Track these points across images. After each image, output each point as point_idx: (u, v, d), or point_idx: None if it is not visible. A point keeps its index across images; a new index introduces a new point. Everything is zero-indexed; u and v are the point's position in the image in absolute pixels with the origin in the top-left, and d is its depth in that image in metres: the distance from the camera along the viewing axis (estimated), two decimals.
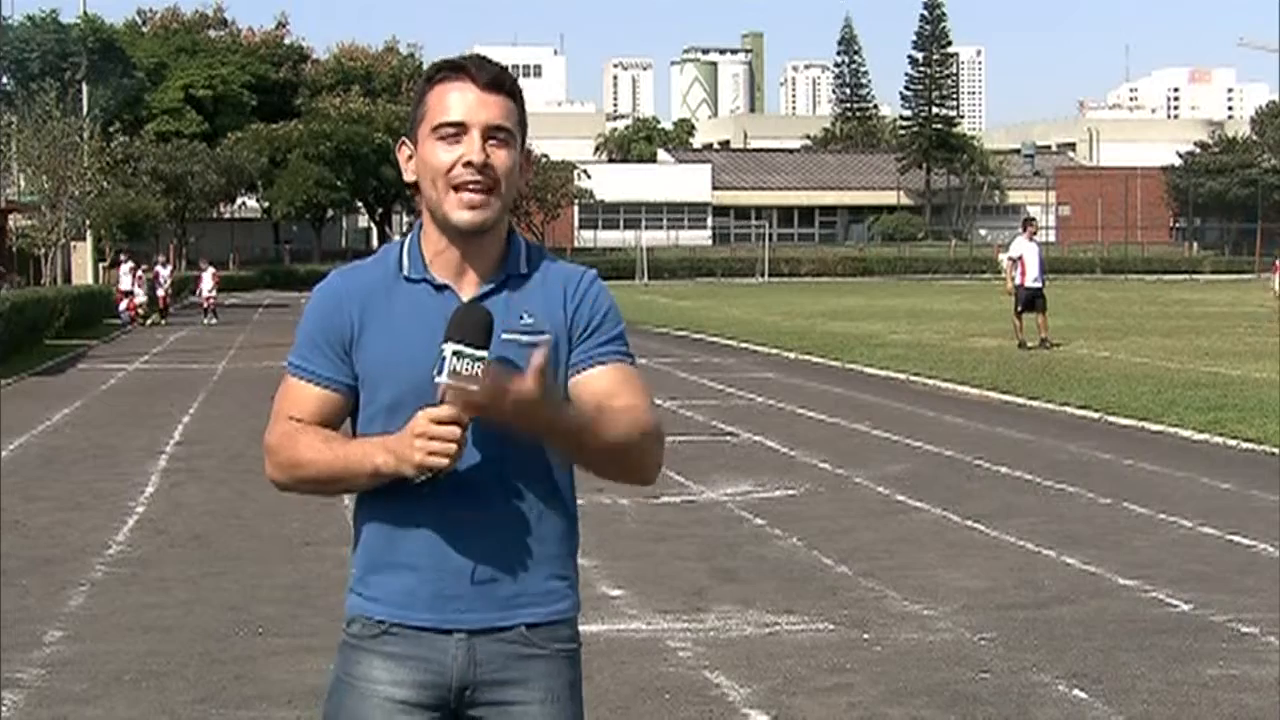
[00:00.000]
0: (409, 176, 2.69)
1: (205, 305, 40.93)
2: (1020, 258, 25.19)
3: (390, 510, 2.63)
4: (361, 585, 2.68)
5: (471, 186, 2.59)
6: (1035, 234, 26.00)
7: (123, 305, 38.79)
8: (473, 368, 2.48)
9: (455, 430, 2.48)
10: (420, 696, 2.63)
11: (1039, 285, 24.98)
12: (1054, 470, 12.17)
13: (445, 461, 2.48)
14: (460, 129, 2.60)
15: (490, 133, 2.60)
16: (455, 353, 2.48)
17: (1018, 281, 25.07)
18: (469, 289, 2.65)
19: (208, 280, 41.21)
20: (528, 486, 2.63)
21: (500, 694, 2.64)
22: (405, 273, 2.67)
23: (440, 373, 2.49)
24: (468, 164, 2.59)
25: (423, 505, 2.59)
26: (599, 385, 2.64)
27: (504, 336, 2.59)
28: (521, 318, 2.63)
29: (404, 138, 2.70)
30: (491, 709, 2.65)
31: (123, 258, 40.40)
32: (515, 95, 2.66)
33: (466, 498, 2.59)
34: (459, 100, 2.60)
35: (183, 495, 11.37)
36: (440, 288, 2.65)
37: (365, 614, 2.66)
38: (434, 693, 2.63)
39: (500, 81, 2.63)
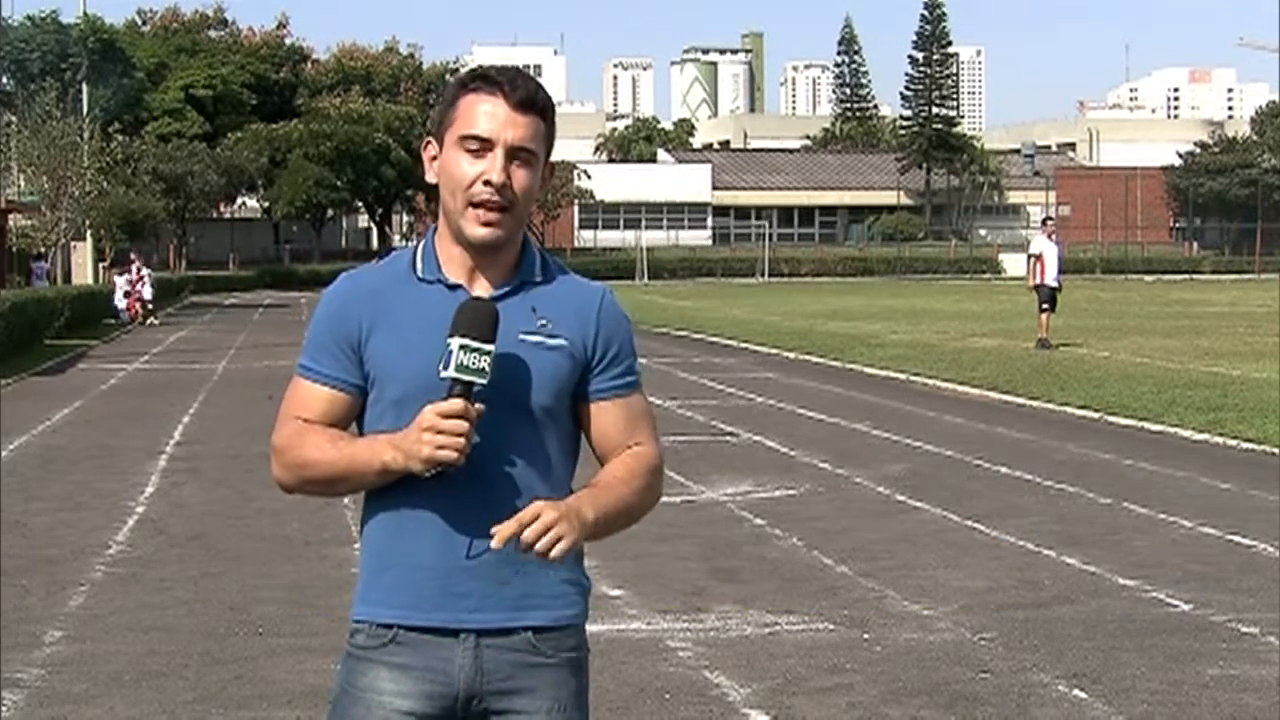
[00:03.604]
0: (431, 177, 2.69)
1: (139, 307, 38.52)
2: (1040, 255, 25.20)
3: (397, 508, 2.61)
4: (368, 588, 2.66)
5: (489, 204, 2.60)
6: (1054, 233, 25.99)
7: (123, 305, 38.73)
8: (478, 362, 2.48)
9: (463, 424, 2.47)
10: (426, 707, 2.60)
11: (1055, 285, 25.01)
12: (1054, 470, 12.17)
13: (454, 455, 2.47)
14: (486, 145, 2.60)
15: (514, 152, 2.60)
16: (461, 347, 2.49)
17: (1037, 280, 25.14)
18: (482, 291, 2.65)
19: (148, 287, 38.88)
20: (536, 482, 2.62)
21: (507, 703, 2.63)
22: (419, 273, 2.67)
23: (446, 367, 2.49)
24: (487, 183, 2.59)
25: (430, 501, 2.58)
26: (615, 421, 2.69)
27: (520, 337, 2.60)
28: (538, 320, 2.63)
29: (430, 137, 2.70)
30: (498, 719, 2.64)
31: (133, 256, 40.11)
32: (546, 114, 2.65)
33: (474, 493, 2.58)
34: (488, 116, 2.60)
35: (183, 495, 11.36)
36: (453, 287, 2.65)
37: (372, 619, 2.63)
38: (440, 703, 2.61)
39: (532, 101, 2.62)
